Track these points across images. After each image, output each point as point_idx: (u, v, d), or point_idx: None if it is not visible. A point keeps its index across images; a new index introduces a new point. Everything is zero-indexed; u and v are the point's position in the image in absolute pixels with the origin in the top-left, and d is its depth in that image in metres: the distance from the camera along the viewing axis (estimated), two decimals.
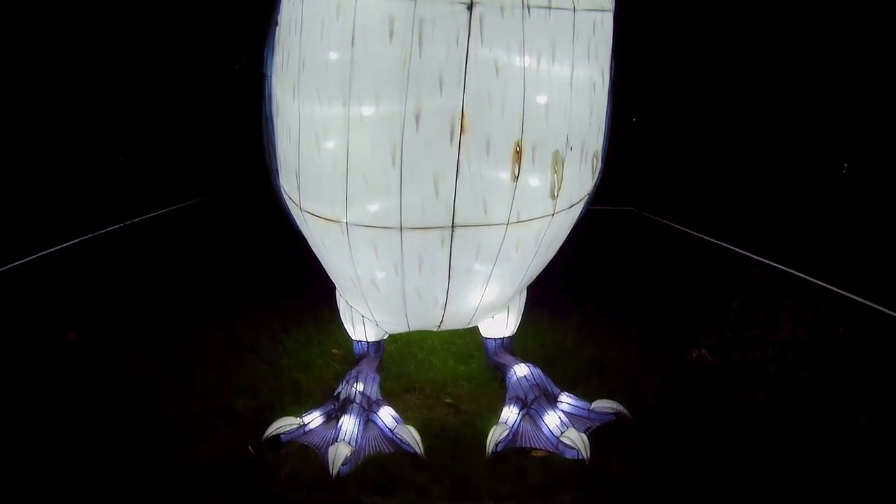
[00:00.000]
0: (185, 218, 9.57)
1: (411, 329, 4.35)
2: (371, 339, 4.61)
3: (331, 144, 3.44)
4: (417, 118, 3.28)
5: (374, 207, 3.49)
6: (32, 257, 7.77)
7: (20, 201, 10.30)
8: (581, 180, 3.85)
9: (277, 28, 3.78)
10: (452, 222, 3.49)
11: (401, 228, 3.50)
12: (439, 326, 4.23)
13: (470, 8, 3.18)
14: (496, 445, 4.01)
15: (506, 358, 4.67)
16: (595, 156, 3.93)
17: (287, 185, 3.90)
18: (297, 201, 3.80)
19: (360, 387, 4.30)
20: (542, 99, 3.38)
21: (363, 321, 4.51)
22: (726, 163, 13.09)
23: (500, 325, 4.66)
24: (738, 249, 8.11)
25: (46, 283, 6.88)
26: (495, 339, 4.73)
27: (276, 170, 4.01)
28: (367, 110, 3.30)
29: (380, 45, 3.23)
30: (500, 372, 4.65)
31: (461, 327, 4.46)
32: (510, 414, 4.25)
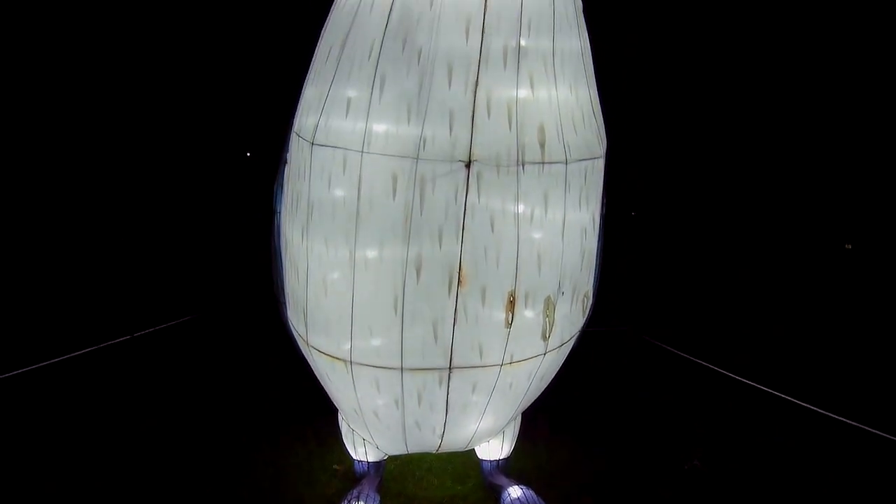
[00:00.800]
0: (185, 333, 9.48)
1: (410, 452, 4.50)
2: (372, 459, 4.76)
3: (337, 289, 3.67)
4: (418, 270, 3.53)
5: (376, 349, 3.70)
6: (25, 369, 7.53)
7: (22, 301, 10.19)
8: (572, 320, 4.07)
9: (287, 167, 4.08)
10: (450, 364, 3.70)
11: (401, 369, 3.72)
12: (437, 450, 4.39)
13: (468, 166, 3.46)
14: None
15: (501, 479, 4.81)
16: (586, 295, 4.16)
17: (295, 319, 4.12)
18: (303, 336, 4.02)
19: None
20: (534, 251, 3.62)
21: (364, 443, 4.67)
22: (723, 274, 13.25)
23: (496, 448, 4.81)
24: (732, 374, 8.19)
25: (39, 398, 6.78)
26: (491, 461, 4.88)
27: (284, 302, 4.25)
28: (372, 260, 3.55)
29: (384, 201, 3.50)
30: (496, 492, 4.79)
31: (458, 450, 4.62)
32: None
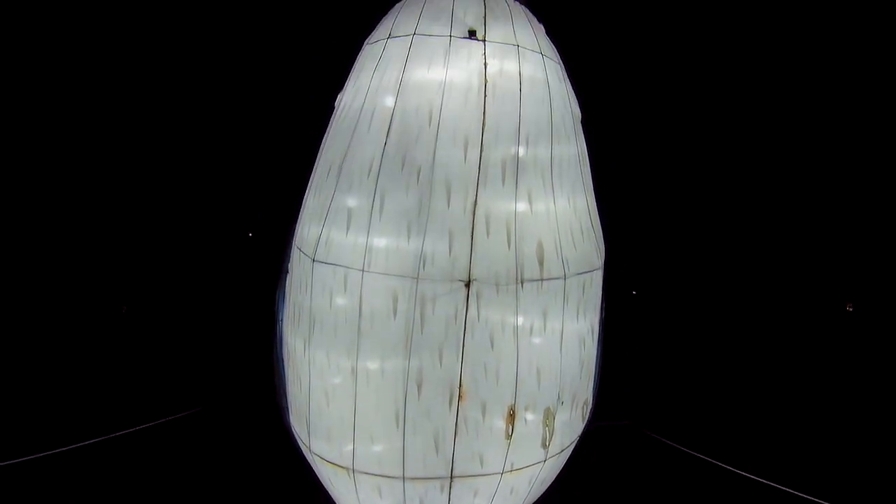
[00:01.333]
0: (188, 427, 9.08)
1: None
2: None
3: (339, 400, 3.72)
4: (419, 385, 3.57)
5: (378, 459, 3.74)
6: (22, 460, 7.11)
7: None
8: (572, 426, 4.10)
9: (288, 276, 4.11)
10: (451, 473, 3.73)
11: (403, 478, 3.75)
12: None
13: (468, 285, 3.51)
14: None
15: None
16: (586, 402, 4.19)
17: (297, 426, 4.15)
18: (306, 443, 4.05)
19: None
20: (533, 365, 3.66)
21: None
22: (725, 365, 13.05)
23: None
24: (733, 469, 8.08)
25: (37, 491, 6.47)
26: None
27: (286, 407, 4.28)
28: (374, 376, 3.60)
29: (385, 318, 3.55)
30: None
31: None
32: None
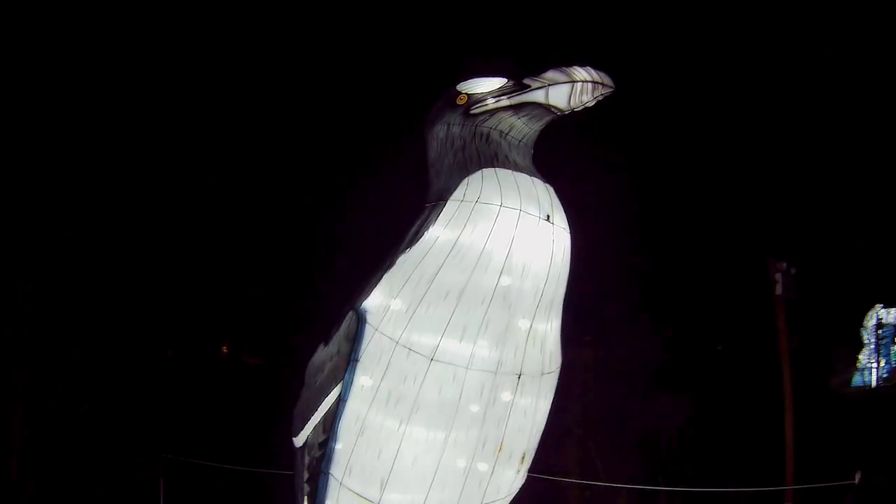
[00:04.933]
0: None
1: None
2: None
3: (425, 463, 5.22)
4: (484, 445, 5.34)
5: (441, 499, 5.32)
6: None
7: None
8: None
9: (359, 364, 5.30)
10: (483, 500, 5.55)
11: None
12: None
13: (519, 377, 5.39)
14: None
15: None
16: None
17: (361, 486, 5.27)
18: (375, 499, 5.26)
19: None
20: (536, 429, 5.77)
21: None
22: None
23: None
24: None
25: None
26: None
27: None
28: (460, 442, 5.22)
29: (474, 403, 5.20)
30: None
31: None
32: None
